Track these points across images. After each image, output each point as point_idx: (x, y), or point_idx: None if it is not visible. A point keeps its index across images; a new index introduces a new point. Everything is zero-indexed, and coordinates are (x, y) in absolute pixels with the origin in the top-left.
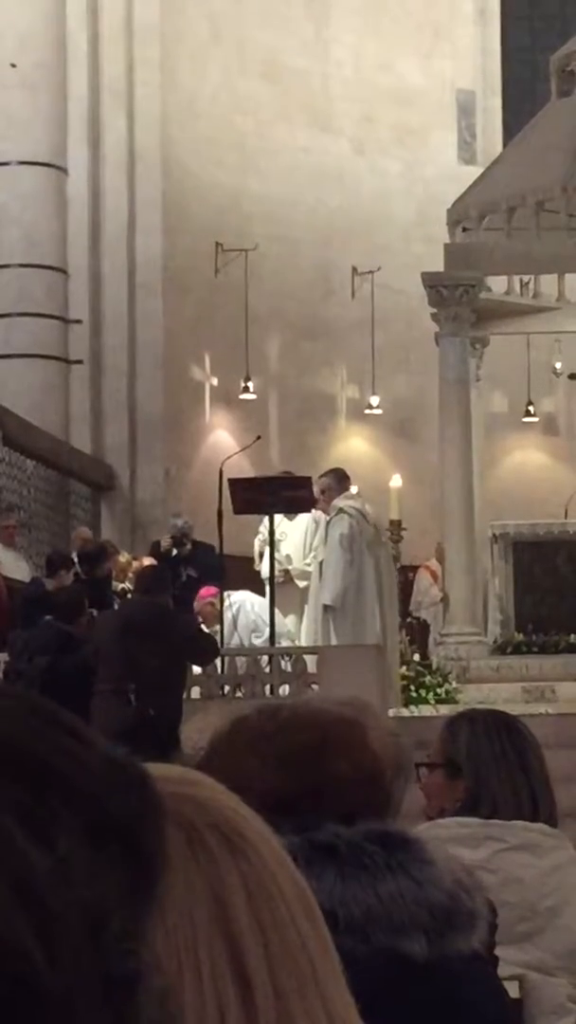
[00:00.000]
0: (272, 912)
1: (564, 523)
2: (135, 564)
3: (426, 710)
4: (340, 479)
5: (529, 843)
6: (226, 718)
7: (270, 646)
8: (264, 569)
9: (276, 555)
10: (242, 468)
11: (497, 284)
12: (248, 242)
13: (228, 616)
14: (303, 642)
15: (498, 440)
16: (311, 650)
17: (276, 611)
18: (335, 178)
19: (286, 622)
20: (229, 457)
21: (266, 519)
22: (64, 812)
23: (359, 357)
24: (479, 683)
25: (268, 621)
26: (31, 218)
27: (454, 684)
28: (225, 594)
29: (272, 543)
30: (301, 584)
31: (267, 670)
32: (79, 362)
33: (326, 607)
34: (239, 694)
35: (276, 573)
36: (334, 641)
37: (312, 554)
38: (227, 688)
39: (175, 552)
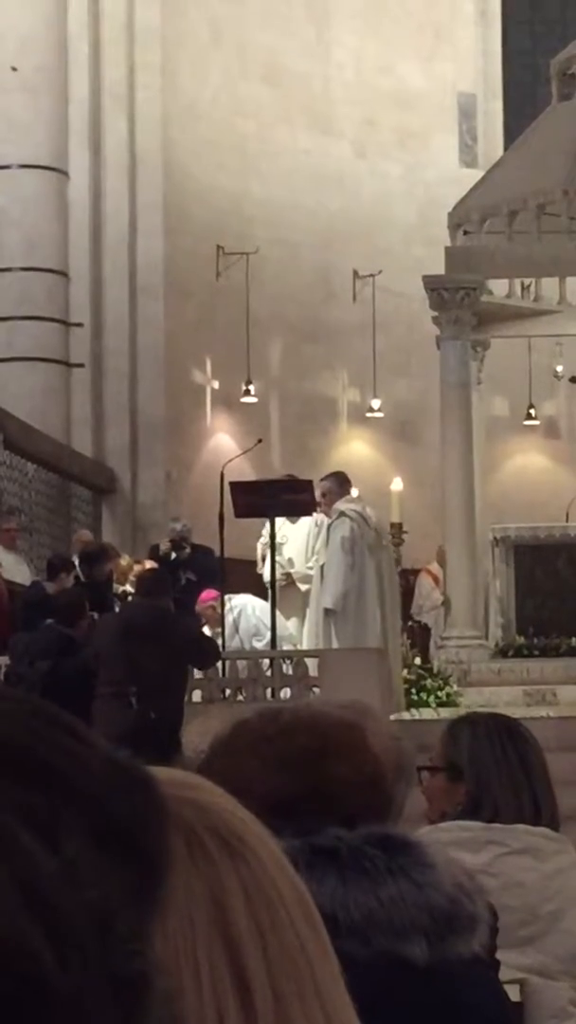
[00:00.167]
0: (271, 915)
1: (565, 526)
2: (136, 567)
3: (427, 713)
4: (341, 482)
5: (531, 847)
6: (227, 721)
7: (271, 649)
8: (267, 573)
9: (278, 558)
10: (243, 471)
11: (498, 287)
12: (249, 245)
13: (229, 620)
14: (304, 645)
15: (499, 443)
16: (312, 653)
17: (278, 614)
18: (336, 181)
19: (288, 625)
20: (230, 460)
21: (268, 522)
22: (68, 813)
23: (360, 360)
24: (480, 686)
25: (269, 625)
26: (32, 221)
27: (455, 687)
28: (226, 597)
29: (273, 546)
30: (303, 587)
31: (268, 673)
32: (80, 365)
33: (327, 610)
34: (240, 697)
35: (278, 576)
36: (335, 644)
37: (314, 557)
38: (228, 691)
39: (174, 556)
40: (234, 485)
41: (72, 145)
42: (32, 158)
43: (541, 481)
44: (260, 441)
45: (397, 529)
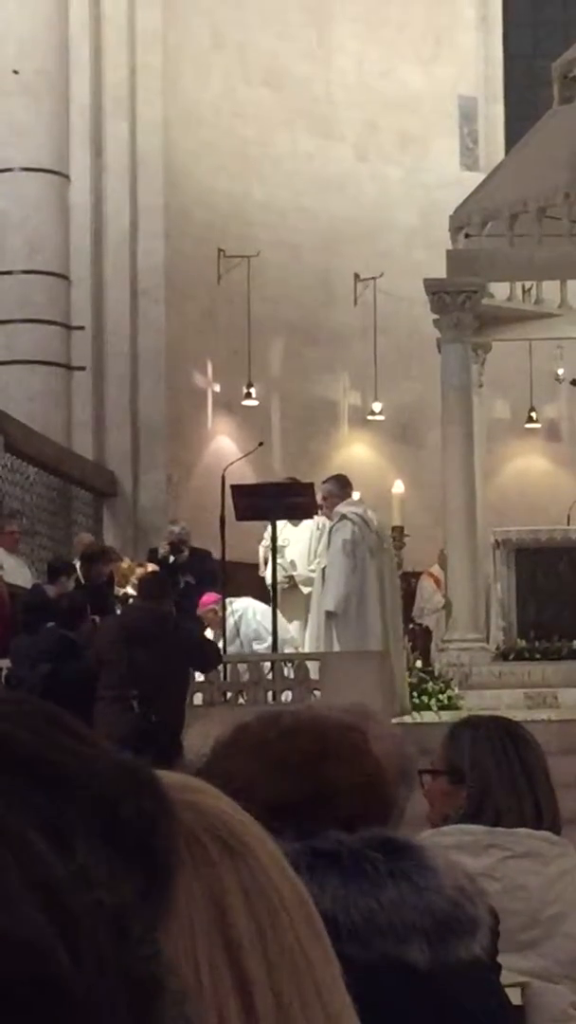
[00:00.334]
0: (272, 917)
1: (567, 529)
2: (138, 570)
3: (429, 717)
4: (342, 485)
5: (533, 851)
6: (228, 724)
7: (272, 652)
8: (269, 576)
9: (280, 561)
10: (244, 474)
11: (499, 290)
12: (250, 248)
13: (230, 623)
14: (306, 648)
15: (500, 446)
16: (313, 656)
17: (280, 617)
18: (337, 184)
19: (290, 628)
20: (231, 463)
21: (269, 525)
22: (77, 815)
23: (361, 363)
24: (481, 689)
25: (270, 629)
26: (33, 224)
27: (456, 690)
28: (227, 601)
29: (275, 549)
30: (306, 590)
31: (269, 677)
32: (81, 368)
33: (328, 613)
34: (241, 701)
35: (281, 579)
36: (337, 647)
37: (316, 560)
38: (229, 695)
39: (172, 559)
40: (235, 488)
41: (73, 148)
42: (33, 161)
43: (542, 484)
44: (261, 444)
45: (398, 532)
